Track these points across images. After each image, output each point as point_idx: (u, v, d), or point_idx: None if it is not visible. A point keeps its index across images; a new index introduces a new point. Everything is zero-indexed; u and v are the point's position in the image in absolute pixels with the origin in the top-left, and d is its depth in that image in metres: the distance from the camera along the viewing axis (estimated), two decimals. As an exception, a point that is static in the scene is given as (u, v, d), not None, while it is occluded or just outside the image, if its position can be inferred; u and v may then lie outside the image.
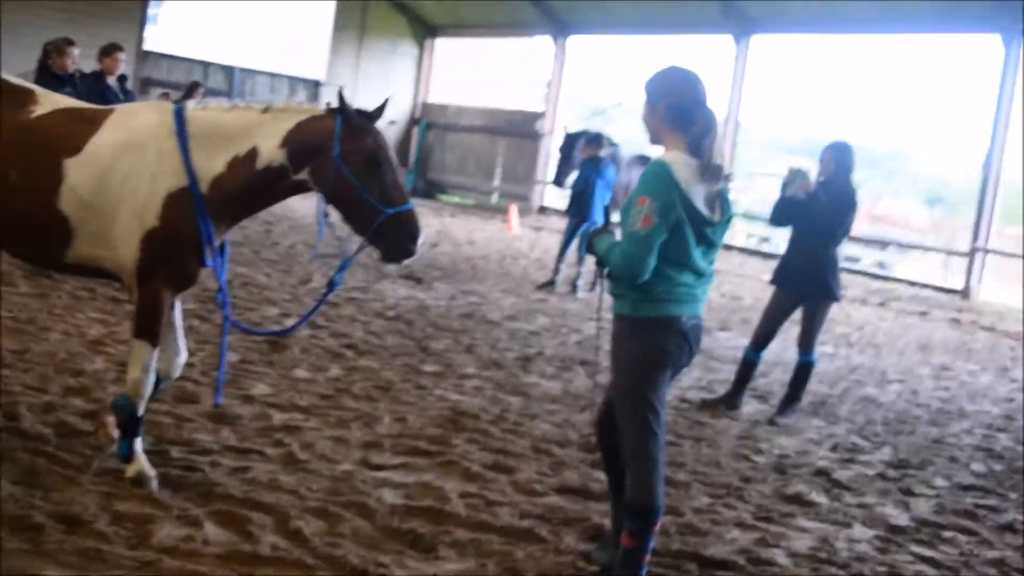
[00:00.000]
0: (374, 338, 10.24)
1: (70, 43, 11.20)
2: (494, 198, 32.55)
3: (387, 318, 11.41)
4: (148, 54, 29.62)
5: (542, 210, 30.78)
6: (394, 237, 5.45)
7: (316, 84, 33.51)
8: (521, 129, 32.14)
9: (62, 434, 6.10)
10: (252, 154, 5.46)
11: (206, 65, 31.03)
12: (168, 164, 5.42)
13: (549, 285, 15.73)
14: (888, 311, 19.69)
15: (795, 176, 8.85)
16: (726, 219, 5.12)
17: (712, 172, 4.99)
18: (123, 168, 5.43)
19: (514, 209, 27.20)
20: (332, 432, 6.96)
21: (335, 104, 5.54)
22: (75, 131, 5.56)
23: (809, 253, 8.94)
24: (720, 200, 5.07)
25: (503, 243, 22.72)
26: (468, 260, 18.32)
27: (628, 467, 5.17)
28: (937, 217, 45.70)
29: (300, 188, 5.59)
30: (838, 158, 9.01)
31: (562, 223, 25.84)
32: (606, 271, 5.20)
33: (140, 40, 29.13)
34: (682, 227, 4.93)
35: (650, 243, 4.87)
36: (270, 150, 5.45)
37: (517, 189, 31.54)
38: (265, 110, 5.55)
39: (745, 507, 6.73)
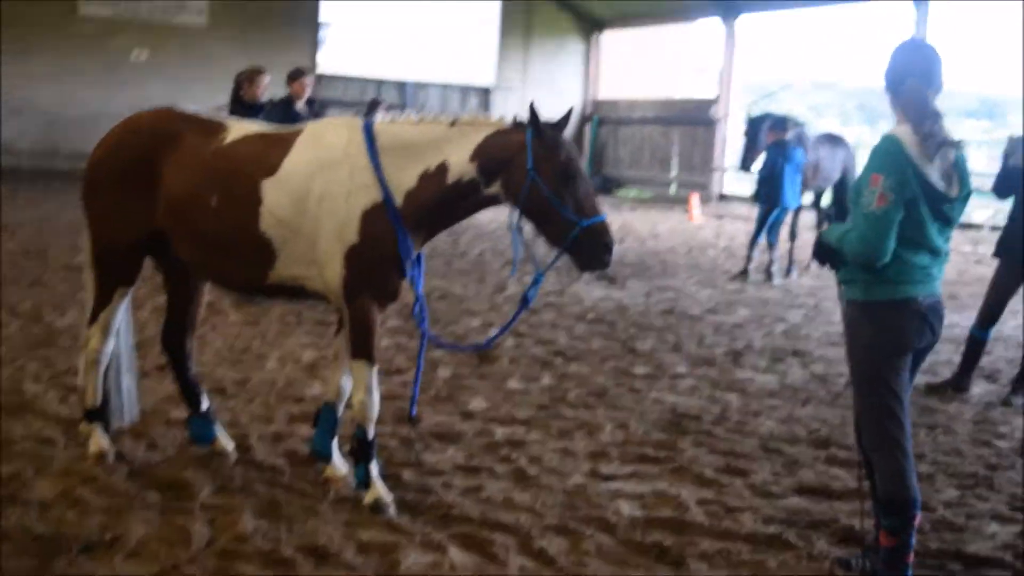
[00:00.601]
0: (579, 342, 10.12)
1: (260, 72, 11.38)
2: (672, 189, 32.12)
3: (588, 321, 11.27)
4: (322, 76, 30.23)
5: (722, 198, 30.22)
6: (589, 248, 5.34)
7: (486, 91, 33.67)
8: (694, 117, 31.62)
9: (294, 463, 6.15)
10: (442, 168, 5.42)
11: (379, 83, 31.50)
12: (362, 180, 5.43)
13: (743, 275, 15.36)
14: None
15: (1017, 145, 8.41)
16: (964, 194, 4.84)
17: (941, 144, 4.71)
18: (319, 186, 5.46)
19: (695, 198, 26.77)
20: (556, 444, 6.85)
21: (516, 116, 5.50)
22: (268, 153, 5.64)
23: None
24: (958, 174, 4.79)
25: (687, 234, 22.35)
26: (656, 254, 18.05)
27: (876, 461, 4.96)
28: None
29: (491, 202, 5.54)
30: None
31: (744, 209, 25.39)
32: (834, 265, 4.99)
33: (314, 63, 29.76)
34: (916, 204, 4.71)
35: (888, 223, 4.67)
36: (460, 164, 5.41)
37: (695, 178, 31.03)
38: (452, 123, 5.51)
39: (998, 497, 6.35)
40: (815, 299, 13.78)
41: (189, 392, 6.30)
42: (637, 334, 10.71)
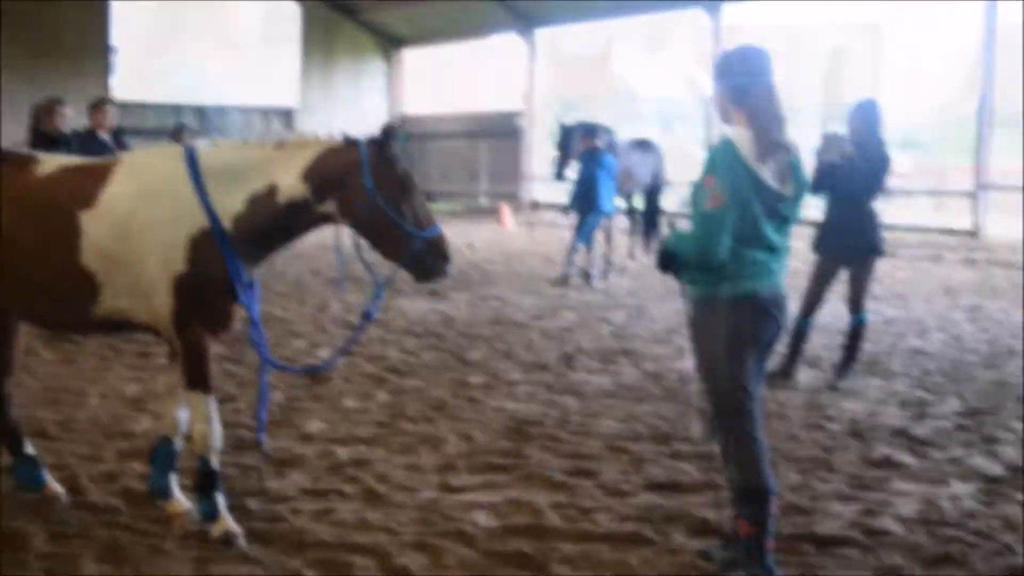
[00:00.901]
0: (411, 357, 10.00)
1: (59, 102, 10.93)
2: (482, 200, 32.32)
3: (417, 335, 11.16)
4: (117, 104, 29.30)
5: (533, 206, 30.57)
6: (429, 260, 5.31)
7: (289, 112, 33.22)
8: (501, 128, 31.93)
9: (132, 502, 5.83)
10: (272, 190, 5.28)
11: (177, 108, 30.71)
12: (186, 207, 5.24)
13: (563, 280, 15.50)
14: (900, 260, 19.51)
15: (831, 142, 8.69)
16: (799, 192, 4.96)
17: (776, 146, 4.83)
18: (142, 216, 5.25)
19: (506, 208, 26.98)
20: (402, 460, 6.72)
21: (344, 133, 5.40)
22: (85, 185, 5.40)
23: (850, 215, 8.78)
24: (792, 173, 4.90)
25: (502, 243, 22.48)
26: (474, 265, 18.06)
27: (729, 453, 5.01)
28: (917, 161, 45.57)
29: (325, 220, 5.41)
30: (867, 117, 8.83)
31: (555, 216, 25.67)
32: (677, 271, 5.05)
33: (107, 91, 28.78)
34: (751, 203, 4.80)
35: (722, 222, 4.77)
36: (290, 185, 5.27)
37: (505, 188, 31.32)
38: (278, 145, 5.38)
39: (838, 478, 6.52)
40: (636, 299, 14.01)
41: (10, 437, 5.93)
42: (467, 344, 10.66)
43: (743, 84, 4.88)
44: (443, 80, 36.10)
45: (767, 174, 4.80)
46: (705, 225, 4.79)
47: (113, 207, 5.29)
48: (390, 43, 35.04)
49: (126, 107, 29.59)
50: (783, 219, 4.94)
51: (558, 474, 6.44)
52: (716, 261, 4.80)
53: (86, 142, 10.91)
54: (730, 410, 4.97)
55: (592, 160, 15.32)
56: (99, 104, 11.64)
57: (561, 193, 18.70)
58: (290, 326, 11.70)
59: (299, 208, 5.31)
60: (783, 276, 5.04)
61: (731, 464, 5.02)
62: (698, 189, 4.88)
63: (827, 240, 8.94)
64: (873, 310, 13.07)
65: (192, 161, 5.31)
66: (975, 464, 6.83)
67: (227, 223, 5.24)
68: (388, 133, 5.32)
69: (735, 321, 4.90)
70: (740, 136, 4.84)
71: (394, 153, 5.26)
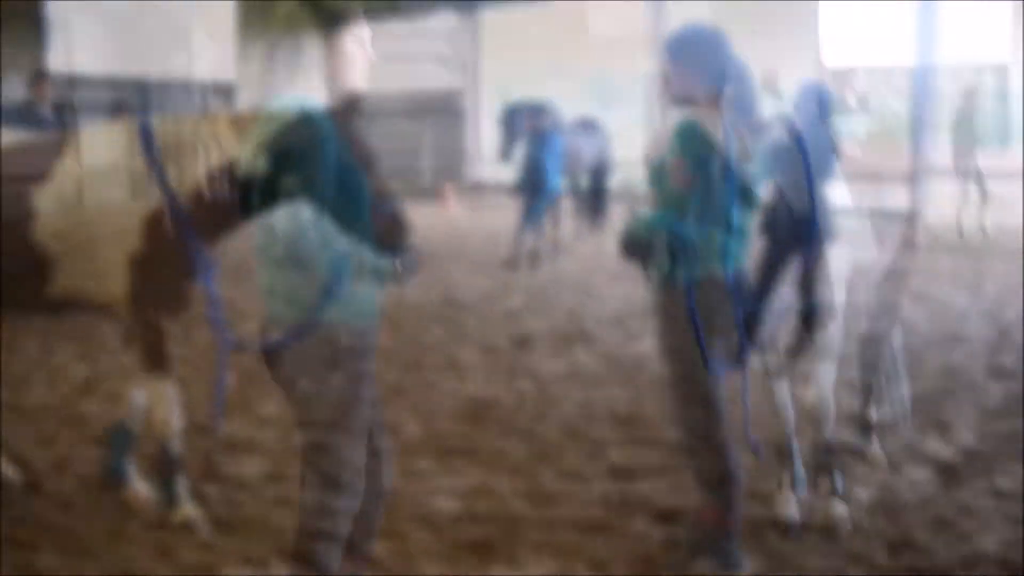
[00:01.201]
0: (363, 339, 9.91)
1: (-3, 78, 10.70)
2: (424, 180, 32.15)
3: (368, 317, 11.06)
4: (57, 78, 28.71)
5: (477, 187, 30.45)
6: (394, 233, 5.22)
7: (229, 89, 32.79)
8: (444, 108, 31.75)
9: (88, 488, 5.74)
10: (231, 164, 5.17)
11: (115, 82, 30.15)
12: (142, 183, 5.14)
13: (513, 262, 15.45)
14: (836, 243, 19.66)
15: (773, 121, 8.69)
16: (763, 176, 4.96)
17: (747, 128, 4.81)
18: (96, 193, 5.15)
19: (449, 189, 26.87)
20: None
21: (303, 105, 5.29)
22: (37, 160, 5.28)
23: (798, 199, 8.76)
24: (756, 155, 4.89)
25: (447, 225, 22.38)
26: (421, 246, 17.91)
27: (696, 438, 5.00)
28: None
29: (285, 195, 5.30)
30: (816, 100, 8.82)
31: (500, 197, 25.60)
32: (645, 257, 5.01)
33: (40, 64, 28.14)
34: (717, 186, 4.77)
35: (689, 205, 4.72)
36: (249, 159, 5.15)
37: (447, 168, 31.17)
38: (234, 119, 5.29)
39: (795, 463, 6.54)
40: (586, 282, 13.99)
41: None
42: (420, 327, 10.60)
43: (719, 64, 4.83)
44: (388, 58, 35.86)
45: (735, 157, 4.79)
46: (673, 208, 4.77)
47: (66, 183, 5.18)
48: (332, 20, 34.66)
49: (65, 81, 29.13)
50: (747, 202, 4.94)
51: (518, 459, 6.42)
52: (683, 244, 4.77)
53: (26, 116, 10.64)
54: (695, 395, 4.96)
55: (539, 141, 15.26)
56: (39, 77, 11.38)
57: (507, 173, 18.61)
58: (238, 306, 11.51)
59: (258, 183, 5.21)
60: (745, 259, 5.04)
61: (696, 450, 5.01)
62: (663, 171, 4.84)
63: (774, 224, 8.93)
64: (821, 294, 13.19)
65: (147, 136, 5.21)
66: (929, 449, 6.91)
67: (185, 200, 5.14)
68: (351, 105, 5.22)
69: (701, 305, 4.89)
70: (708, 116, 4.81)
71: (356, 125, 5.17)
